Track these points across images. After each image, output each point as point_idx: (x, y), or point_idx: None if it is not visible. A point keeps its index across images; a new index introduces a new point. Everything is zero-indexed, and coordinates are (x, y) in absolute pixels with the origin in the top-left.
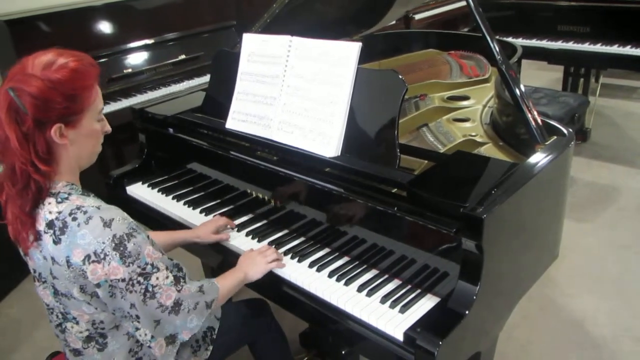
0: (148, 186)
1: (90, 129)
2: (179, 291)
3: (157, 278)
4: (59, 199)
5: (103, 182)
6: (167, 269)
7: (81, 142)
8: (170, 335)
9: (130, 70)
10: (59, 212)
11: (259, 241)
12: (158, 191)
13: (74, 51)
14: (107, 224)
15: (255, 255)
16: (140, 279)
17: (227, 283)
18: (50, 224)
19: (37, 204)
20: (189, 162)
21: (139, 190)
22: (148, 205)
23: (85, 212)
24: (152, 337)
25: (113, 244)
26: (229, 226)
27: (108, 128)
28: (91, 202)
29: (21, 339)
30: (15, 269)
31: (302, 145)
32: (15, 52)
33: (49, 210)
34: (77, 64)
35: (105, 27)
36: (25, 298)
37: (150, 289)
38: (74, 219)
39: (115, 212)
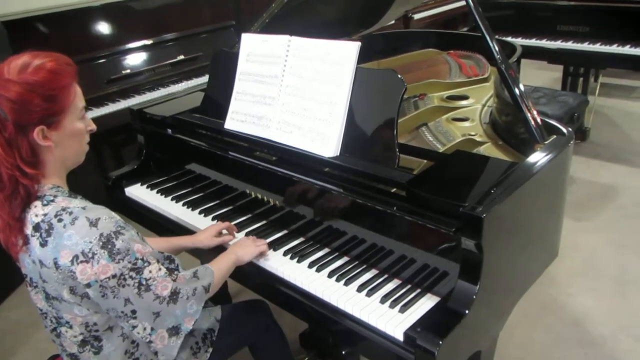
0: (147, 187)
1: (73, 128)
2: (174, 280)
3: (150, 271)
4: (45, 202)
5: (101, 184)
6: (158, 261)
7: (65, 143)
8: (173, 327)
9: (128, 71)
10: (45, 215)
11: None
12: (157, 192)
13: (48, 52)
14: (93, 224)
15: (244, 239)
16: (132, 273)
17: (220, 266)
18: (36, 227)
19: (26, 208)
20: (188, 163)
21: (137, 192)
22: (147, 206)
23: (70, 213)
24: (152, 329)
25: (100, 243)
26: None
27: (93, 126)
28: (77, 203)
29: (21, 341)
30: (14, 271)
31: (301, 145)
32: (13, 53)
33: (35, 213)
34: (54, 65)
35: (103, 27)
36: (25, 301)
37: (144, 282)
38: (60, 220)
39: (101, 212)
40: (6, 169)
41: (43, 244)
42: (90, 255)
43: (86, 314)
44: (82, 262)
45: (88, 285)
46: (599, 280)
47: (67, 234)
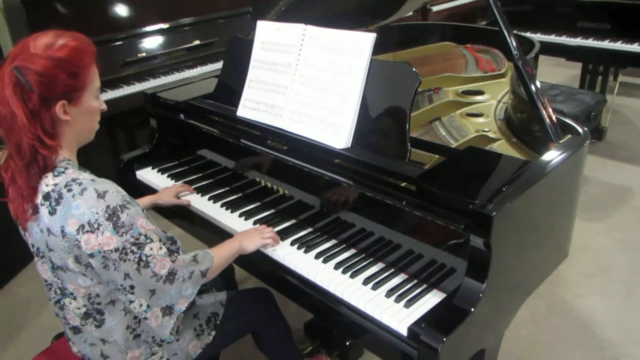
0: (158, 171)
1: (90, 106)
2: (173, 261)
3: (151, 248)
4: (56, 173)
5: (114, 166)
6: (160, 240)
7: (82, 119)
8: (167, 306)
9: (144, 54)
10: (55, 185)
11: None
12: (167, 177)
13: (71, 32)
14: (101, 195)
15: (252, 230)
16: (134, 248)
17: (221, 252)
18: (46, 196)
19: (42, 177)
20: (199, 148)
21: (148, 175)
22: (157, 190)
23: (80, 184)
24: (148, 306)
25: (107, 215)
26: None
27: (104, 106)
28: (86, 176)
29: (30, 317)
30: (26, 248)
31: (312, 136)
32: (31, 33)
33: (46, 183)
34: (77, 43)
35: (121, 10)
36: (35, 277)
37: (144, 258)
38: (69, 190)
39: (109, 185)
40: (27, 139)
41: (52, 212)
42: (95, 225)
43: (89, 285)
44: (87, 231)
45: (91, 256)
46: (608, 283)
47: (76, 203)
